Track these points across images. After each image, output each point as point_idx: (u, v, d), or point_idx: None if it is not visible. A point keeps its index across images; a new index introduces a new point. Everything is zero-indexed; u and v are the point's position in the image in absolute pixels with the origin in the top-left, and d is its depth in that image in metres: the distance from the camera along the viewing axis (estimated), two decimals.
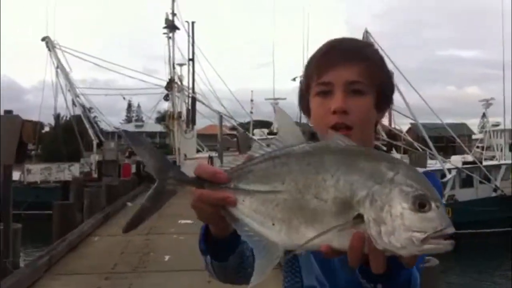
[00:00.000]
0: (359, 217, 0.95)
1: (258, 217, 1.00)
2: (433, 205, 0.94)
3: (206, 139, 40.11)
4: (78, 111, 31.99)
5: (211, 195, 1.02)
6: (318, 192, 0.97)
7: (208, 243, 1.20)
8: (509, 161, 25.94)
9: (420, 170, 1.01)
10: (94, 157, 29.84)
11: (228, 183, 1.03)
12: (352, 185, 0.95)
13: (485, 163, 24.56)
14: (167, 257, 8.35)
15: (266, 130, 31.53)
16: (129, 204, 16.40)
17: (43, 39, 31.13)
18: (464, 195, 22.18)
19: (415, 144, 25.68)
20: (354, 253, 0.96)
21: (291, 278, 1.46)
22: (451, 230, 0.94)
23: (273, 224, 0.99)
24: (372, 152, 1.04)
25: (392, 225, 0.92)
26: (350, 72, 1.34)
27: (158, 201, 1.06)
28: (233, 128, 37.16)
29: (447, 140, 33.48)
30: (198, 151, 31.54)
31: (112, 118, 49.73)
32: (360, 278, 1.11)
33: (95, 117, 36.30)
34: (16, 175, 25.06)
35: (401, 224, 0.92)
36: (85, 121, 31.60)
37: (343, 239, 0.96)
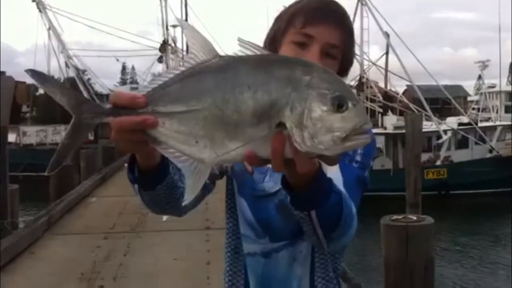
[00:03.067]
0: (281, 125, 0.96)
1: (181, 137, 0.99)
2: (350, 104, 0.96)
3: None
4: (72, 73, 31.76)
5: (131, 120, 0.99)
6: (237, 105, 0.96)
7: (135, 172, 1.19)
8: (504, 122, 26.04)
9: None
10: None
11: (145, 107, 1.00)
12: (270, 94, 0.95)
13: (480, 124, 24.61)
14: (165, 217, 8.38)
15: None
16: (126, 165, 16.42)
17: (33, 0, 30.65)
18: (460, 156, 22.32)
19: (411, 105, 25.66)
20: (277, 156, 0.97)
21: (233, 224, 1.55)
22: (368, 125, 0.98)
23: (197, 142, 0.99)
24: (286, 58, 1.05)
25: (313, 129, 0.94)
26: (333, 35, 1.39)
27: (76, 136, 1.03)
28: None
29: (443, 101, 33.47)
30: None
31: (106, 81, 49.33)
32: (294, 209, 1.17)
33: (89, 79, 36.05)
34: (11, 138, 25.06)
35: (321, 126, 0.94)
36: (79, 84, 31.42)
37: (267, 148, 0.97)
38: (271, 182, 1.45)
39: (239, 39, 1.01)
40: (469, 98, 48.11)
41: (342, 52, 1.42)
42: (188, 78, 0.99)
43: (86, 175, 14.09)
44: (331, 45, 1.39)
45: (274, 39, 1.47)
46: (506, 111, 31.98)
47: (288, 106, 0.95)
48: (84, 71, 34.05)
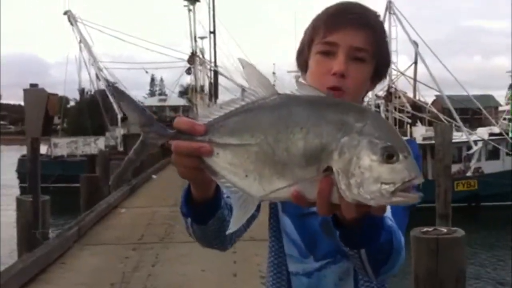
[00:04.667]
0: (329, 170, 0.95)
1: (233, 169, 1.02)
2: (401, 156, 0.94)
3: None
4: (102, 85, 32.26)
5: (187, 144, 1.03)
6: (287, 145, 0.97)
7: (190, 206, 1.22)
8: None
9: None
10: (119, 131, 30.14)
11: (204, 135, 1.03)
12: (321, 138, 0.96)
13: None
14: None
15: None
16: (154, 176, 16.57)
17: (65, 13, 31.35)
18: (491, 167, 21.90)
19: (440, 116, 25.35)
20: (322, 199, 0.97)
21: (275, 243, 1.53)
22: (419, 180, 0.95)
23: (246, 176, 1.00)
24: (341, 102, 1.04)
25: (361, 177, 0.93)
26: (357, 37, 1.36)
27: (141, 153, 1.09)
28: None
29: (473, 112, 33.09)
30: None
31: (135, 92, 50.14)
32: (343, 246, 1.15)
33: None
34: (43, 149, 25.55)
35: (369, 176, 0.93)
36: (110, 95, 31.88)
37: (314, 191, 0.97)
38: None
39: (298, 82, 1.03)
40: (500, 108, 47.28)
41: (372, 53, 1.38)
42: (246, 112, 1.02)
43: (115, 186, 14.24)
44: (357, 49, 1.36)
45: (302, 51, 1.46)
46: None
47: (337, 151, 0.95)
48: (114, 83, 34.59)
